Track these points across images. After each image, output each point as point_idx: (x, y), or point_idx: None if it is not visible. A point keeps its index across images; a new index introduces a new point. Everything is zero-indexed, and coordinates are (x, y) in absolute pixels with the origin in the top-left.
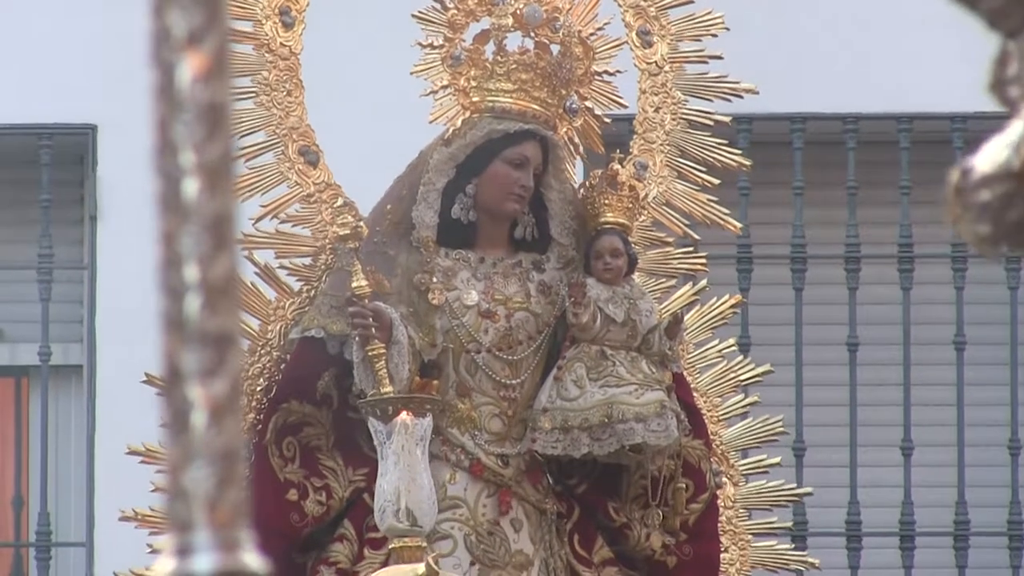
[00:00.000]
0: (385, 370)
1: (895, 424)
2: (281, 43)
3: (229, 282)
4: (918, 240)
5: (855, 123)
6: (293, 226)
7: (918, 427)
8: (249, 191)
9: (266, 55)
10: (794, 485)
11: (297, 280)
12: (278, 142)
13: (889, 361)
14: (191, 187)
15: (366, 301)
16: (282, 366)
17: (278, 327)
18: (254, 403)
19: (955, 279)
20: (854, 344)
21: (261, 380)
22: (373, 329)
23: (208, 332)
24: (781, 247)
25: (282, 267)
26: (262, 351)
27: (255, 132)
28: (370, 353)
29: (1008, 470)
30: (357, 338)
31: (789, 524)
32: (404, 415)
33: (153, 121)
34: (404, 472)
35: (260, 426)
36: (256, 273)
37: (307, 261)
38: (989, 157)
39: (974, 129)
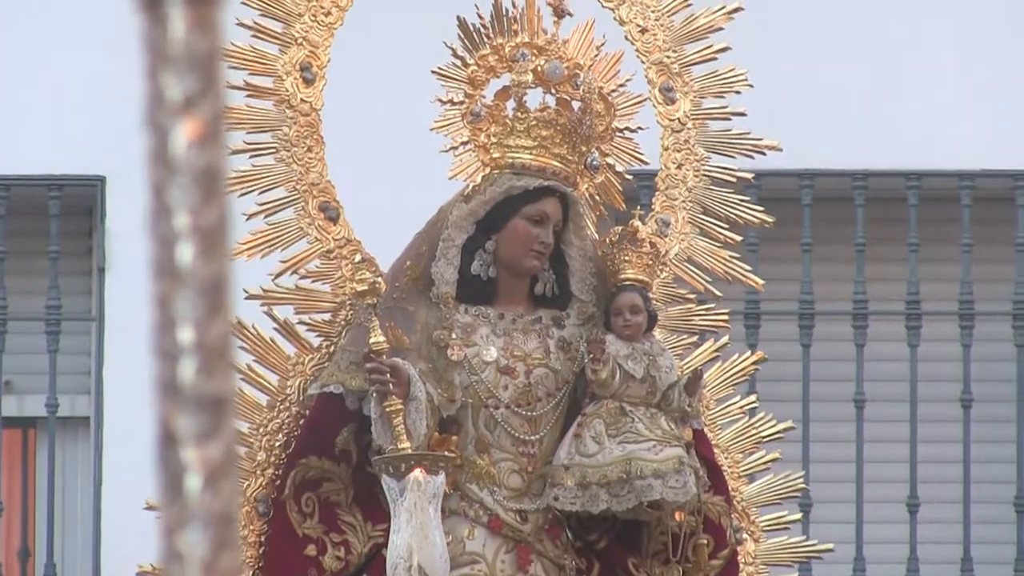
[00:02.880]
0: (403, 426)
1: (901, 481)
2: (302, 99)
3: (224, 346)
4: (925, 297)
5: (863, 180)
6: (313, 282)
7: (924, 484)
8: (269, 247)
9: (287, 111)
10: (815, 541)
11: (316, 336)
12: (298, 198)
13: (896, 418)
14: (186, 251)
15: (384, 357)
16: (301, 422)
17: (297, 383)
18: (273, 458)
19: (962, 336)
20: (861, 400)
21: (280, 436)
22: (391, 385)
23: (203, 396)
24: (789, 303)
25: (301, 323)
26: (281, 407)
27: (275, 188)
28: (388, 409)
29: (1014, 528)
30: (375, 394)
31: None
32: (417, 472)
33: (148, 185)
34: (416, 529)
35: (279, 482)
36: (276, 328)
37: (327, 317)
38: None
39: (982, 187)
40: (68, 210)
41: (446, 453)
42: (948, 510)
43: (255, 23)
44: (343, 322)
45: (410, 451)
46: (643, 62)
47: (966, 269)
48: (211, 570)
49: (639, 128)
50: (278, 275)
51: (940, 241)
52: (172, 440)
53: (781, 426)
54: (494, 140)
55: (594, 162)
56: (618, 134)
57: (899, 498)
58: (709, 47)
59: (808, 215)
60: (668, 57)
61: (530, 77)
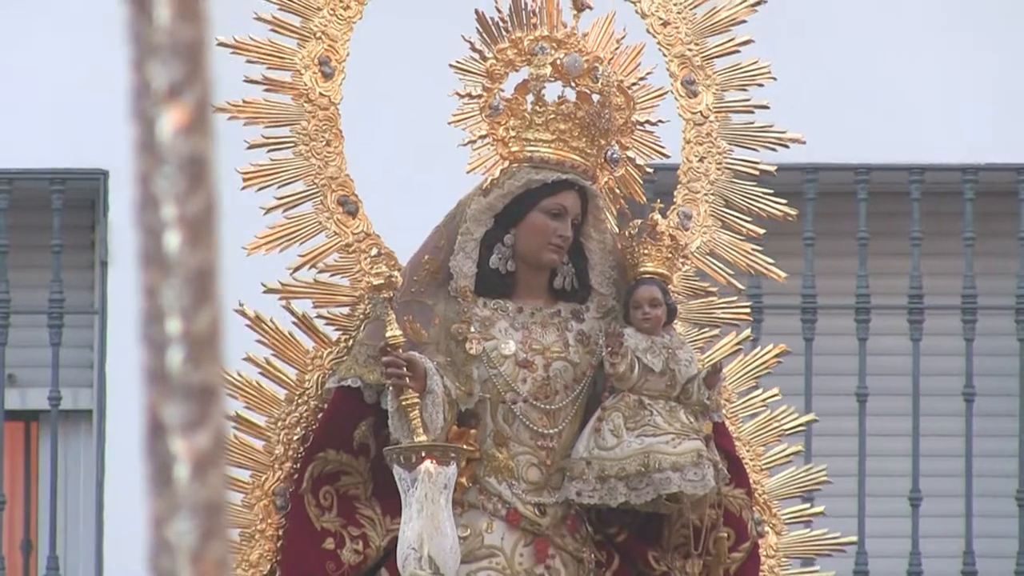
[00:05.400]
0: (419, 419)
1: (904, 474)
2: (320, 93)
3: (212, 335)
4: (928, 291)
5: (866, 174)
6: (331, 276)
7: (926, 477)
8: (287, 241)
9: (305, 105)
10: (838, 533)
11: (335, 330)
12: (317, 192)
13: (898, 412)
14: (173, 240)
15: (400, 351)
16: (319, 415)
17: (315, 376)
18: (291, 452)
19: (965, 330)
20: (863, 395)
21: (298, 429)
22: (407, 379)
23: (191, 385)
24: (792, 297)
25: (320, 317)
26: (299, 400)
27: (294, 182)
28: (404, 403)
29: (1016, 521)
30: (391, 388)
31: (832, 573)
32: (428, 463)
33: (135, 174)
34: (427, 520)
35: (297, 475)
36: (294, 323)
37: (345, 311)
38: None
39: (985, 180)
40: (71, 204)
41: (461, 445)
42: (950, 504)
43: (273, 17)
44: (361, 316)
45: (419, 443)
46: (665, 55)
47: (969, 263)
48: (199, 559)
49: (660, 121)
50: (296, 269)
51: (943, 235)
52: (159, 430)
53: (804, 419)
54: (512, 134)
55: (614, 155)
56: (639, 127)
57: (901, 492)
58: (732, 40)
59: (811, 209)
60: (690, 50)
61: (549, 71)
